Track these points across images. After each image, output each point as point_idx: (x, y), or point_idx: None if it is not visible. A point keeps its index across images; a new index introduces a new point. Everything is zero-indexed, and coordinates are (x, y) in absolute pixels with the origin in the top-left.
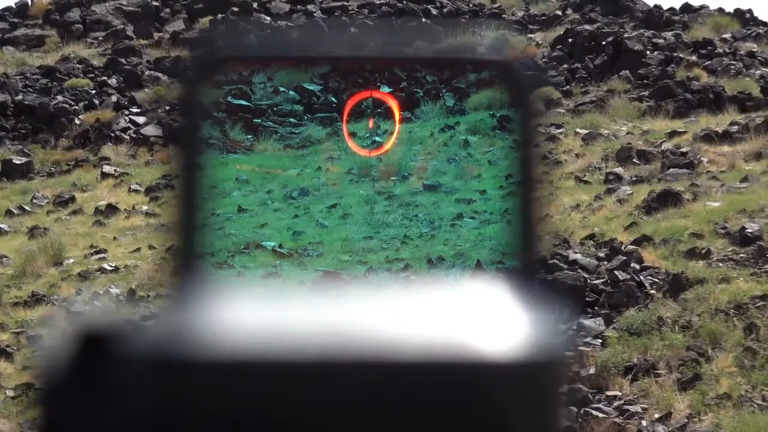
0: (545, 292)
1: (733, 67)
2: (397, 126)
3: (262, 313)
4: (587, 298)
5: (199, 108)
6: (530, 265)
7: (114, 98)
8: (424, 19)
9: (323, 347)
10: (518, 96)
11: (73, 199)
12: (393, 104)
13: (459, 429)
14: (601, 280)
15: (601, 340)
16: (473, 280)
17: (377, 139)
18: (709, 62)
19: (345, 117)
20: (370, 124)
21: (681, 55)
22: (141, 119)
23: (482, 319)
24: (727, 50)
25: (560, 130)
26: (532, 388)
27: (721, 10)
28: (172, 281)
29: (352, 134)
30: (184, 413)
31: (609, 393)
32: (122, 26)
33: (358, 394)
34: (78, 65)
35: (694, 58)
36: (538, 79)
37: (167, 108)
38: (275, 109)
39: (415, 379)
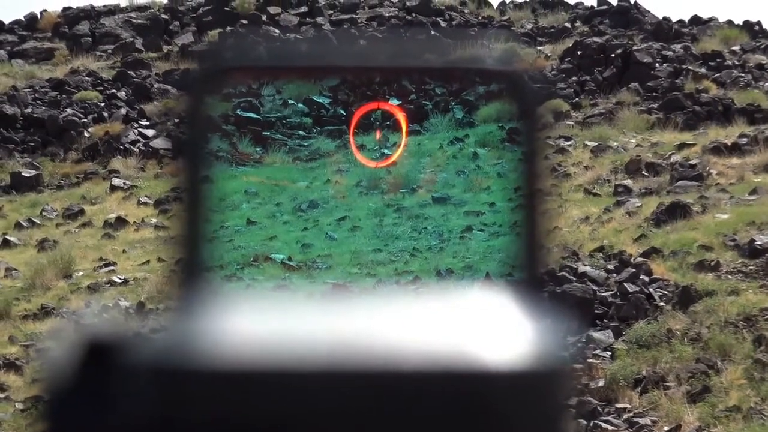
0: (553, 304)
1: (742, 79)
2: (404, 138)
3: (266, 323)
4: (596, 311)
5: (205, 119)
6: (536, 277)
7: (123, 111)
8: (432, 32)
9: (327, 357)
10: (524, 108)
11: (82, 211)
12: (400, 116)
13: None
14: (611, 293)
15: (610, 353)
16: (478, 291)
17: (386, 151)
18: (718, 74)
19: (352, 129)
20: (377, 135)
21: (690, 68)
22: (150, 132)
23: (486, 330)
24: (736, 62)
25: (569, 143)
26: (536, 398)
27: (730, 23)
28: (177, 292)
29: (361, 146)
30: (188, 422)
31: (618, 405)
32: (131, 39)
33: (364, 404)
34: (87, 78)
35: (703, 70)
36: (545, 91)
37: (173, 120)
38: (284, 121)
39: (418, 388)
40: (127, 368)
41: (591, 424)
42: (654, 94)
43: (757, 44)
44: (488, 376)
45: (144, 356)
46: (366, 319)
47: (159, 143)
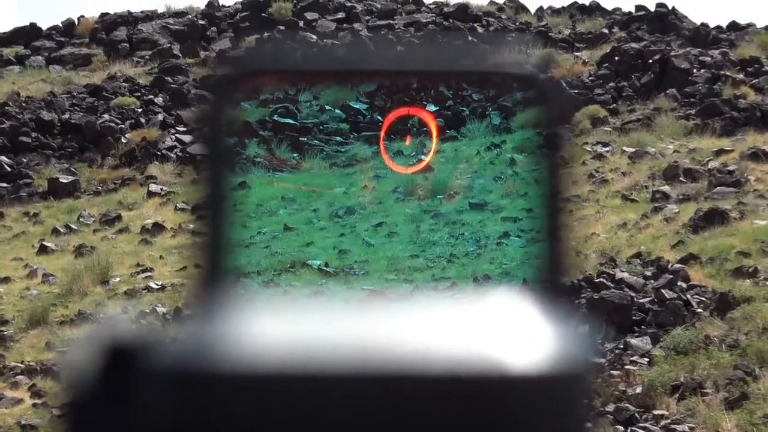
0: (590, 310)
1: None
2: (434, 144)
3: (287, 327)
4: (634, 317)
5: (226, 124)
6: (566, 283)
7: (160, 117)
8: (470, 37)
9: (347, 361)
10: (554, 115)
11: (119, 217)
12: (430, 121)
13: None
14: (648, 299)
15: (648, 359)
16: (509, 297)
17: (421, 156)
18: (756, 80)
19: (382, 134)
20: (407, 141)
21: (728, 73)
22: (187, 138)
23: (513, 335)
24: None
25: (607, 149)
26: (557, 403)
27: None
28: (202, 298)
29: (398, 152)
30: (208, 427)
31: (656, 412)
32: (168, 45)
33: (384, 408)
34: (124, 84)
35: (741, 76)
36: (582, 97)
37: (202, 125)
38: (321, 127)
39: (437, 392)
40: (150, 373)
41: (629, 430)
42: (692, 99)
43: None
44: (510, 381)
45: (167, 361)
46: (387, 323)
47: (196, 149)
